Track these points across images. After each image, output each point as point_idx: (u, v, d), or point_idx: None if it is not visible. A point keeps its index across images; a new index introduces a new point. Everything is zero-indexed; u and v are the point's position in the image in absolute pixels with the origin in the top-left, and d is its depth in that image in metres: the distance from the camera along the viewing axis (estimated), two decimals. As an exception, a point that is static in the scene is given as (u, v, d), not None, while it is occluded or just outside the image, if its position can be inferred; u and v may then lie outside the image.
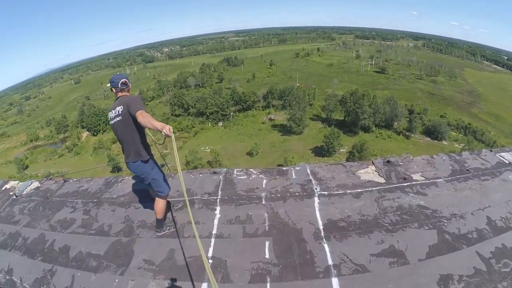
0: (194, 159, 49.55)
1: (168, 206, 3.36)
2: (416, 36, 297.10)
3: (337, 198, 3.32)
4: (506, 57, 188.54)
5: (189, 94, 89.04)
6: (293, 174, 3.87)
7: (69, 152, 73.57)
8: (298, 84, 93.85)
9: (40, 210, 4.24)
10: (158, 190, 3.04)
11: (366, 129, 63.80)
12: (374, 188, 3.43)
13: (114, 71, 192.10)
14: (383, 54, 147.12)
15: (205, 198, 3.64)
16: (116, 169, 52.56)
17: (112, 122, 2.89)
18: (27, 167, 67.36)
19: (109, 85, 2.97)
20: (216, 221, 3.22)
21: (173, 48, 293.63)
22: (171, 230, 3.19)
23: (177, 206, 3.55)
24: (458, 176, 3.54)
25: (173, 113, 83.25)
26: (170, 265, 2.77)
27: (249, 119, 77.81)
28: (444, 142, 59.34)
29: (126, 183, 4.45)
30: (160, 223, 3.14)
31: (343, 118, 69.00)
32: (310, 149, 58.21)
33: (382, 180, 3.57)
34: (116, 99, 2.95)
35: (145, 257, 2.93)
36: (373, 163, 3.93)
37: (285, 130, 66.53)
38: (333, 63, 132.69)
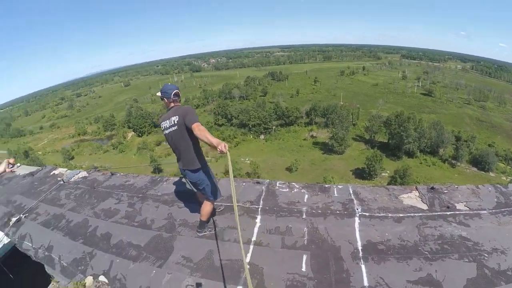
0: (233, 169, 50.08)
1: (213, 211, 3.49)
2: (463, 58, 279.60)
3: (378, 220, 3.25)
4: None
5: (233, 105, 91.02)
6: (335, 192, 3.86)
7: (114, 149, 78.60)
8: (342, 103, 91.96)
9: (86, 198, 4.62)
10: (210, 196, 3.15)
11: (410, 154, 60.34)
12: (416, 214, 3.31)
13: (162, 77, 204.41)
14: (430, 76, 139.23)
15: (247, 206, 3.75)
16: (157, 170, 54.87)
17: (167, 131, 2.96)
18: (72, 157, 73.47)
19: (159, 94, 3.03)
20: (256, 229, 3.30)
21: (219, 59, 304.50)
22: (211, 232, 3.33)
23: (219, 209, 3.69)
24: (503, 209, 3.30)
25: (217, 122, 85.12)
26: (207, 265, 2.89)
27: (291, 134, 77.45)
28: (491, 174, 54.07)
29: (171, 183, 4.71)
30: (202, 225, 3.30)
31: (386, 141, 66.16)
32: (351, 170, 56.17)
33: (425, 207, 3.43)
34: (169, 108, 3.02)
35: (184, 254, 3.07)
36: (416, 189, 3.80)
37: (326, 148, 65.06)
38: (379, 83, 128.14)
